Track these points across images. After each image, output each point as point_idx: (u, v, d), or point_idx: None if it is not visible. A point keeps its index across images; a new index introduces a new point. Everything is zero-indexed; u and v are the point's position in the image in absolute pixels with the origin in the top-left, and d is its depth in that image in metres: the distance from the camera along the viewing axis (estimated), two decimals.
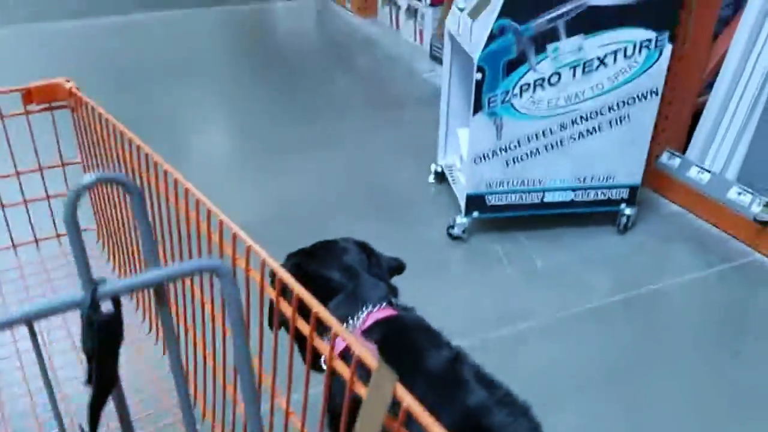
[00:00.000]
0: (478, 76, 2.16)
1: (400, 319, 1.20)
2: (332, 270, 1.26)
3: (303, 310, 0.71)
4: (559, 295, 2.19)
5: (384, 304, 1.20)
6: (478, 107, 2.21)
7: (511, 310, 2.12)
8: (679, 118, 2.72)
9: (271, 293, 0.78)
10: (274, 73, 4.13)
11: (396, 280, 2.28)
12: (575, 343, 1.99)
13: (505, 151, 2.30)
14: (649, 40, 2.18)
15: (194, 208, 0.91)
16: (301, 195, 2.80)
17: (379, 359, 0.58)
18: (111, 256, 1.44)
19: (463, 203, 2.40)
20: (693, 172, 2.65)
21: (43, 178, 1.40)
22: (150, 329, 1.34)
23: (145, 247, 0.56)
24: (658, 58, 2.21)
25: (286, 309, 0.75)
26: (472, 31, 2.27)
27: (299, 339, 0.76)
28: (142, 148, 1.03)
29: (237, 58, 4.47)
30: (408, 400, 0.54)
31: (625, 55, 2.20)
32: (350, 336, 0.62)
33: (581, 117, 2.28)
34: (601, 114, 2.29)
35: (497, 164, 2.32)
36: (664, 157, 2.75)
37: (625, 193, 2.44)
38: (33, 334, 0.52)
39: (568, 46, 2.17)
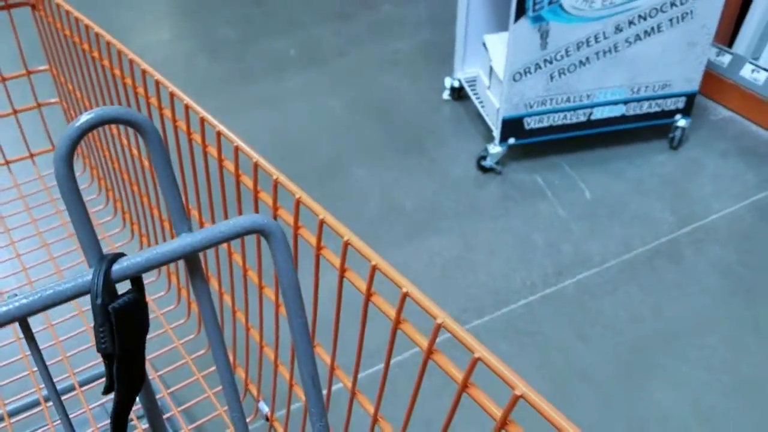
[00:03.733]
0: None
1: None
2: None
3: None
4: (619, 233, 1.89)
5: None
6: (521, 12, 1.79)
7: (568, 257, 1.82)
8: (725, 5, 2.34)
9: (333, 261, 0.61)
10: None
11: (427, 228, 1.95)
12: (652, 291, 1.71)
13: (551, 62, 1.91)
14: None
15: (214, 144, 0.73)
16: (292, 126, 2.38)
17: None
18: (110, 200, 1.16)
19: (497, 129, 2.03)
20: (746, 71, 2.31)
21: (6, 90, 1.19)
22: (178, 299, 1.05)
23: (171, 205, 0.45)
24: None
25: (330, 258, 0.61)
26: None
27: None
28: (125, 53, 0.84)
29: None
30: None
31: None
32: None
33: (639, 16, 1.89)
34: (662, 11, 1.90)
35: (540, 79, 1.93)
36: (711, 54, 2.39)
37: (681, 103, 2.10)
38: (28, 335, 0.39)
39: None
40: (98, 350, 0.39)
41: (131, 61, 0.83)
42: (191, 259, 0.45)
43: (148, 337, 0.52)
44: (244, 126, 2.36)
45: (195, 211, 0.87)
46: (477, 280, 1.76)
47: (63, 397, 0.56)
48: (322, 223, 0.58)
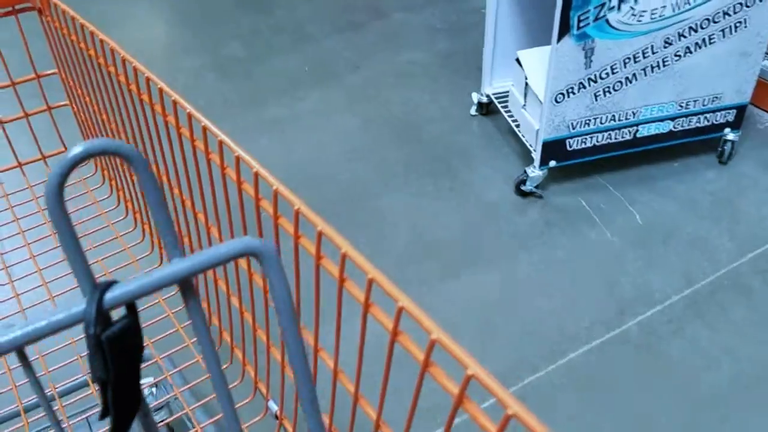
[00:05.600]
0: None
1: None
2: None
3: None
4: (677, 263, 1.75)
5: None
6: (564, 30, 1.64)
7: (628, 293, 1.68)
8: None
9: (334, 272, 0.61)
10: None
11: (463, 265, 1.80)
12: (721, 331, 1.58)
13: (596, 81, 1.76)
14: None
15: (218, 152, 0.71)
16: (308, 151, 2.22)
17: None
18: (129, 211, 1.12)
19: (537, 152, 1.88)
20: None
21: (17, 94, 1.16)
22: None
23: (162, 231, 0.44)
24: None
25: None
26: None
27: None
28: (129, 61, 0.82)
29: None
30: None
31: None
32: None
33: (690, 28, 1.74)
34: (714, 22, 1.75)
35: (583, 99, 1.79)
36: None
37: (731, 116, 1.96)
38: (25, 362, 0.39)
39: None
40: (92, 378, 0.41)
41: (135, 69, 0.81)
42: (184, 284, 0.46)
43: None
44: (256, 151, 2.21)
45: (214, 228, 0.83)
46: (525, 327, 1.62)
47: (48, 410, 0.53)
48: (344, 256, 0.57)
